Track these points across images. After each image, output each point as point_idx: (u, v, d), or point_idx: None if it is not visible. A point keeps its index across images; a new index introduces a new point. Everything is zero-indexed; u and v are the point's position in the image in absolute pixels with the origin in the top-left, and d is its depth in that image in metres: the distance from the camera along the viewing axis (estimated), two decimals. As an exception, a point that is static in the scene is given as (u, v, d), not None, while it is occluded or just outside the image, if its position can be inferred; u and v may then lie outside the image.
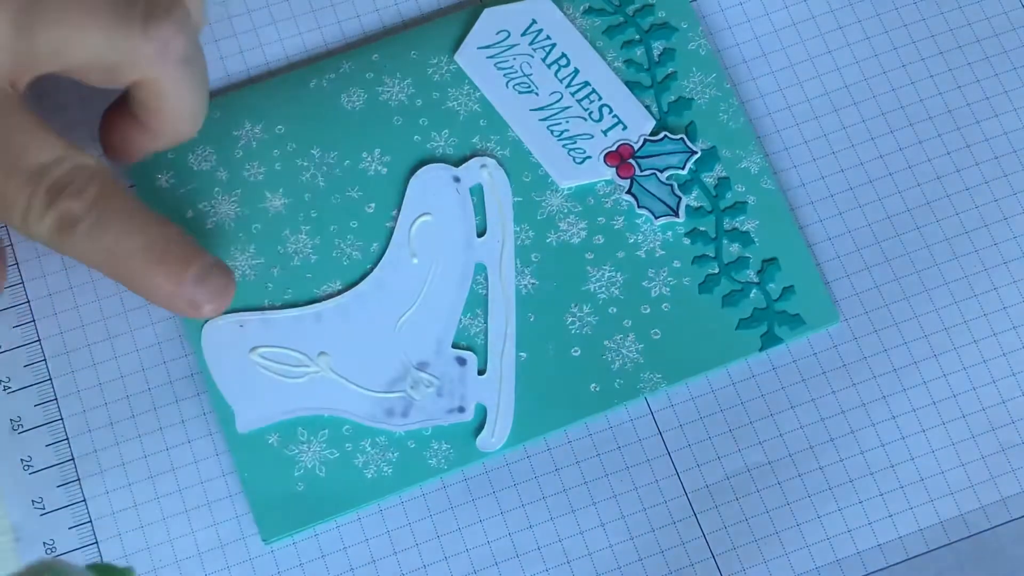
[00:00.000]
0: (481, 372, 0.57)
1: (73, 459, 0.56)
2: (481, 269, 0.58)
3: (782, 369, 0.57)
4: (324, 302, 0.58)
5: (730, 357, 0.57)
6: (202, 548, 0.55)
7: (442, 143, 0.60)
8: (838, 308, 0.58)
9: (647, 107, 0.60)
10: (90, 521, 0.55)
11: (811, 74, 0.61)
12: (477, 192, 0.59)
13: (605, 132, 0.59)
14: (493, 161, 0.59)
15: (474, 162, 0.59)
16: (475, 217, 0.59)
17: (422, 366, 0.56)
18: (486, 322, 0.57)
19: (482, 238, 0.58)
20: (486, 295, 0.58)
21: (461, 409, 0.56)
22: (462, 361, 0.57)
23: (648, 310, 0.57)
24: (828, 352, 0.57)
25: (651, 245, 0.58)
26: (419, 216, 0.58)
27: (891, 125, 0.60)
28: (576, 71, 0.60)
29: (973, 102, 0.60)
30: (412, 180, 0.59)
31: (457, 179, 0.59)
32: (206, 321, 0.57)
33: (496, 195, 0.59)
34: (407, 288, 0.58)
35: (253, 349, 0.57)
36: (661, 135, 0.59)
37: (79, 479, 0.56)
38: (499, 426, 0.56)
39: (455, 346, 0.57)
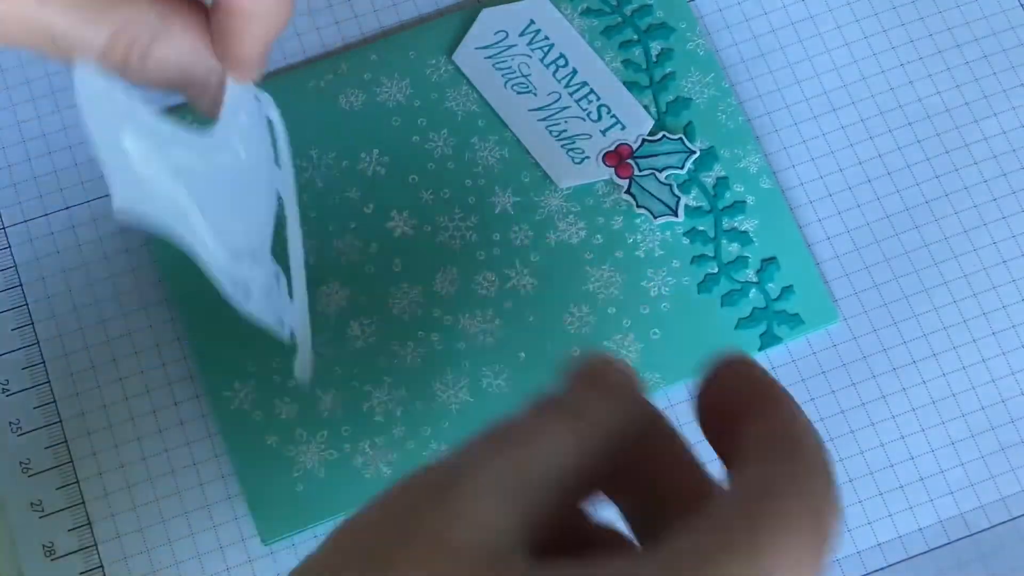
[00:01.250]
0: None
1: (72, 461, 0.56)
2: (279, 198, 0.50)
3: (781, 369, 0.57)
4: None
5: None
6: (201, 550, 0.55)
7: (440, 143, 0.60)
8: (837, 307, 0.58)
9: (645, 107, 0.60)
10: (89, 524, 0.55)
11: (809, 74, 0.61)
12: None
13: (604, 132, 0.59)
14: (269, 98, 0.48)
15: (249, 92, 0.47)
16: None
17: (254, 255, 0.48)
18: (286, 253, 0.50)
19: (279, 168, 0.49)
20: (284, 224, 0.50)
21: (281, 323, 0.49)
22: (278, 277, 0.49)
23: (647, 310, 0.57)
24: (827, 351, 0.57)
25: (650, 245, 0.58)
26: (240, 112, 0.46)
27: (889, 124, 0.60)
28: (574, 71, 0.60)
29: (971, 101, 0.60)
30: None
31: (258, 99, 0.47)
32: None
33: (281, 132, 0.49)
34: (234, 168, 0.47)
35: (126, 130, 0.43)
36: (659, 135, 0.59)
37: (78, 481, 0.56)
38: (306, 362, 0.51)
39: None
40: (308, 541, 0.55)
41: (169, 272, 0.58)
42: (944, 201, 0.59)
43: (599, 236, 0.58)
